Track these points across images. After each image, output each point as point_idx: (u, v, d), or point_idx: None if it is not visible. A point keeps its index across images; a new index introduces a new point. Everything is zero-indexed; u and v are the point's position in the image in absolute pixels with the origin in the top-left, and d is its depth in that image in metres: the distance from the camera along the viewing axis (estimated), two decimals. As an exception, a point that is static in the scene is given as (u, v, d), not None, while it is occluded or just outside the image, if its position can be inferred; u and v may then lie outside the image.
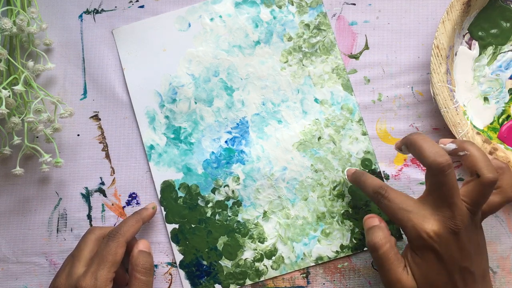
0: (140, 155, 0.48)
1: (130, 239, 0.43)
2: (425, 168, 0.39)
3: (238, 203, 0.47)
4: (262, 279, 0.46)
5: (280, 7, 0.48)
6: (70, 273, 0.41)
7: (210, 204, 0.47)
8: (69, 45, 0.49)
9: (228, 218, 0.47)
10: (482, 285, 0.37)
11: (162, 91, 0.48)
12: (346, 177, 0.46)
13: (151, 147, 0.48)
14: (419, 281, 0.37)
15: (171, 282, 0.47)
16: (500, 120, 0.46)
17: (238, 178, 0.47)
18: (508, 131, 0.45)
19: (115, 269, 0.40)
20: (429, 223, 0.36)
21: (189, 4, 0.49)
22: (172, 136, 0.48)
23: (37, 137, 0.48)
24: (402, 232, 0.43)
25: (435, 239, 0.36)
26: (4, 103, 0.42)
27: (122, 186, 0.48)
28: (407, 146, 0.38)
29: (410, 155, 0.47)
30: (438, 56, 0.44)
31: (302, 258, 0.46)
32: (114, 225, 0.47)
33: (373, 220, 0.40)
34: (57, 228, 0.47)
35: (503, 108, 0.46)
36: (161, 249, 0.47)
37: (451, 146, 0.38)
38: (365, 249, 0.46)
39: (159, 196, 0.47)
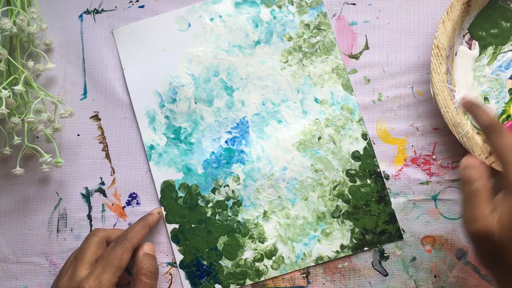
0: (140, 155, 0.48)
1: (137, 245, 0.43)
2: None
3: (238, 203, 0.47)
4: (262, 279, 0.46)
5: (280, 7, 0.48)
6: (73, 275, 0.40)
7: (210, 204, 0.47)
8: (69, 45, 0.49)
9: (228, 218, 0.47)
10: None
11: (162, 91, 0.48)
12: (460, 100, 0.43)
13: (151, 147, 0.48)
14: (505, 226, 0.34)
15: (171, 282, 0.47)
16: (500, 120, 0.46)
17: (238, 178, 0.47)
18: (508, 131, 0.45)
19: (119, 274, 0.41)
20: None
21: (189, 4, 0.49)
22: (172, 136, 0.48)
23: (37, 137, 0.48)
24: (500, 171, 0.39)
25: None
26: (4, 103, 0.42)
27: (122, 186, 0.48)
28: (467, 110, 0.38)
29: None
30: (438, 56, 0.44)
31: (302, 258, 0.46)
32: (114, 225, 0.47)
33: (474, 161, 0.38)
34: (57, 228, 0.47)
35: (503, 108, 0.46)
36: (161, 249, 0.47)
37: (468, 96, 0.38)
38: (365, 249, 0.46)
39: (159, 196, 0.47)
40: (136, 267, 0.42)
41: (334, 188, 0.47)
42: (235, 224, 0.47)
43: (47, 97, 0.46)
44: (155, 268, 0.43)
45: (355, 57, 0.48)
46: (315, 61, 0.48)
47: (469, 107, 0.41)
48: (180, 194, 0.47)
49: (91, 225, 0.47)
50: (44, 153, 0.45)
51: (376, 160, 0.47)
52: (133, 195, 0.48)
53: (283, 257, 0.46)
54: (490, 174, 0.37)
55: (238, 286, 0.46)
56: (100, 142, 0.48)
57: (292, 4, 0.48)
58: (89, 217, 0.48)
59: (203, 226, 0.47)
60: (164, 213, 0.47)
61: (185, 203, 0.47)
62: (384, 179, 0.47)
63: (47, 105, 0.47)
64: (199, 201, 0.47)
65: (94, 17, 0.49)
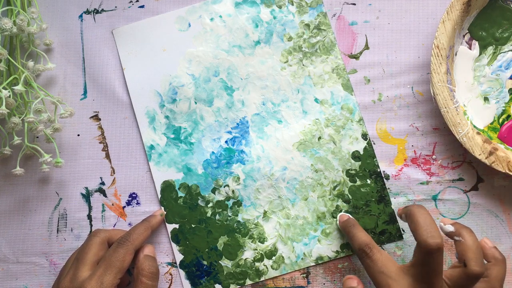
0: (140, 155, 0.48)
1: (139, 247, 0.43)
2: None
3: (238, 203, 0.47)
4: (262, 279, 0.46)
5: (280, 7, 0.48)
6: (74, 275, 0.40)
7: (210, 204, 0.47)
8: (69, 45, 0.49)
9: (228, 218, 0.47)
10: None
11: (162, 91, 0.48)
12: (337, 221, 0.46)
13: (151, 147, 0.48)
14: None
15: (171, 282, 0.47)
16: (500, 120, 0.46)
17: (238, 178, 0.47)
18: (508, 131, 0.45)
19: (121, 276, 0.41)
20: None
21: (189, 4, 0.49)
22: (172, 136, 0.48)
23: (37, 137, 0.48)
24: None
25: None
26: (4, 103, 0.42)
27: (122, 186, 0.48)
28: (406, 215, 0.39)
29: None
30: (438, 56, 0.44)
31: (302, 258, 0.46)
32: (114, 225, 0.47)
33: (351, 281, 0.42)
34: (57, 228, 0.47)
35: (503, 108, 0.46)
36: (161, 249, 0.47)
37: (449, 228, 0.39)
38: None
39: (159, 196, 0.47)
40: (137, 268, 0.42)
41: (334, 188, 0.47)
42: (235, 224, 0.47)
43: (47, 97, 0.46)
44: (156, 269, 0.43)
45: (355, 57, 0.48)
46: (315, 61, 0.48)
47: (346, 226, 0.44)
48: (180, 194, 0.47)
49: (91, 225, 0.47)
50: (44, 153, 0.45)
51: (376, 160, 0.47)
52: (133, 195, 0.48)
53: (283, 257, 0.46)
54: None
55: (238, 286, 0.46)
56: (100, 142, 0.48)
57: (292, 4, 0.48)
58: (89, 217, 0.48)
59: (203, 226, 0.47)
60: (164, 213, 0.47)
61: (185, 203, 0.47)
62: (384, 179, 0.47)
63: (47, 105, 0.47)
64: (199, 201, 0.47)
65: (94, 17, 0.49)
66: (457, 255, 0.38)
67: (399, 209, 0.42)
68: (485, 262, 0.39)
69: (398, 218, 0.45)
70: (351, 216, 0.45)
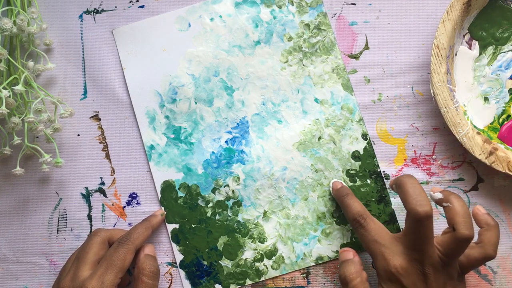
0: (140, 155, 0.48)
1: (140, 246, 0.43)
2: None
3: (238, 203, 0.47)
4: (262, 279, 0.46)
5: (280, 7, 0.48)
6: (75, 275, 0.40)
7: (210, 204, 0.47)
8: (69, 45, 0.49)
9: (228, 218, 0.47)
10: None
11: (162, 91, 0.48)
12: (330, 189, 0.46)
13: (151, 147, 0.48)
14: None
15: (171, 282, 0.47)
16: (500, 120, 0.46)
17: (238, 178, 0.47)
18: (508, 131, 0.45)
19: (121, 275, 0.41)
20: (399, 260, 0.38)
21: (189, 4, 0.49)
22: (172, 136, 0.48)
23: (37, 137, 0.48)
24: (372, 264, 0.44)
25: (401, 273, 0.37)
26: (4, 103, 0.42)
27: (122, 186, 0.48)
28: (395, 185, 0.40)
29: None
30: (438, 56, 0.44)
31: (302, 258, 0.46)
32: (114, 225, 0.47)
33: (347, 254, 0.42)
34: (57, 228, 0.47)
35: (503, 108, 0.46)
36: (161, 249, 0.47)
37: (438, 195, 0.39)
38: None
39: (159, 196, 0.47)
40: (138, 268, 0.42)
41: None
42: (235, 224, 0.47)
43: (47, 97, 0.46)
44: (156, 268, 0.43)
45: (355, 57, 0.48)
46: (315, 61, 0.48)
47: (339, 195, 0.44)
48: (180, 194, 0.47)
49: (91, 225, 0.47)
50: (44, 153, 0.45)
51: (376, 160, 0.47)
52: (133, 195, 0.48)
53: (283, 257, 0.46)
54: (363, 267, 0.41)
55: (238, 286, 0.46)
56: (100, 142, 0.48)
57: (292, 4, 0.48)
58: (89, 217, 0.48)
59: (203, 226, 0.47)
60: (165, 213, 0.47)
61: (185, 203, 0.47)
62: (384, 179, 0.47)
63: (47, 105, 0.47)
64: (199, 201, 0.47)
65: (94, 17, 0.49)
66: (447, 221, 0.38)
67: (391, 181, 0.42)
68: (479, 228, 0.40)
69: (389, 190, 0.45)
70: (344, 184, 0.46)
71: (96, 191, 0.48)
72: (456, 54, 0.46)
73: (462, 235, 0.36)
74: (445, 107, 0.44)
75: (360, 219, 0.40)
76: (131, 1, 0.49)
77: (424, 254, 0.37)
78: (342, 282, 0.40)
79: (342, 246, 0.46)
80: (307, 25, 0.48)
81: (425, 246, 0.37)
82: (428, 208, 0.36)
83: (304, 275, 0.46)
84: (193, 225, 0.47)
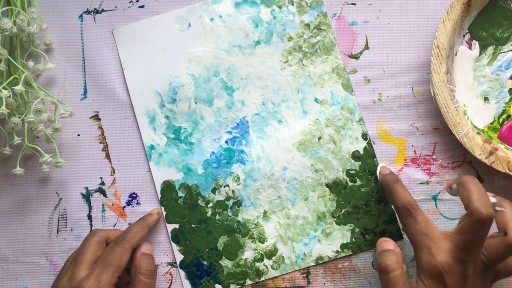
0: (140, 155, 0.48)
1: (136, 245, 0.43)
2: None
3: (238, 203, 0.47)
4: (262, 279, 0.46)
5: (280, 7, 0.48)
6: (72, 275, 0.41)
7: (210, 204, 0.47)
8: (69, 45, 0.49)
9: (228, 218, 0.47)
10: None
11: (162, 91, 0.48)
12: (378, 173, 0.45)
13: (151, 147, 0.48)
14: None
15: (171, 282, 0.47)
16: (501, 120, 0.46)
17: (238, 178, 0.47)
18: (508, 131, 0.45)
19: (118, 274, 0.41)
20: (445, 257, 0.37)
21: (189, 4, 0.49)
22: (172, 136, 0.48)
23: (37, 137, 0.48)
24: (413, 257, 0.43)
25: (446, 270, 0.37)
26: (4, 103, 0.42)
27: (122, 186, 0.48)
28: (458, 184, 0.39)
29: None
30: (438, 56, 0.44)
31: (302, 258, 0.46)
32: (114, 225, 0.47)
33: (388, 244, 0.40)
34: (57, 228, 0.47)
35: (504, 108, 0.46)
36: (161, 249, 0.47)
37: (492, 200, 0.39)
38: (365, 249, 0.46)
39: (159, 196, 0.47)
40: (134, 266, 0.42)
41: (335, 187, 0.47)
42: (235, 224, 0.47)
43: (47, 97, 0.46)
44: (153, 267, 0.43)
45: (355, 57, 0.48)
46: (315, 61, 0.48)
47: (388, 181, 0.43)
48: (180, 194, 0.47)
49: (91, 225, 0.47)
50: (44, 153, 0.45)
51: (376, 160, 0.47)
52: (133, 195, 0.48)
53: (283, 257, 0.46)
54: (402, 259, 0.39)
55: (238, 286, 0.46)
56: (100, 142, 0.48)
57: (292, 4, 0.48)
58: (89, 217, 0.48)
59: (203, 226, 0.47)
60: (164, 213, 0.47)
61: (185, 203, 0.47)
62: (384, 179, 0.47)
63: (47, 105, 0.47)
64: (199, 201, 0.47)
65: (94, 17, 0.49)
66: (498, 226, 0.38)
67: (448, 182, 0.41)
68: None
69: (447, 191, 0.42)
70: (392, 171, 0.45)
71: (96, 191, 0.48)
72: (456, 54, 0.46)
73: None
74: (445, 107, 0.44)
75: (410, 208, 0.40)
76: (131, 1, 0.49)
77: (472, 255, 0.36)
78: (381, 271, 0.38)
79: (342, 246, 0.46)
80: (307, 25, 0.48)
81: (476, 247, 0.36)
82: (492, 211, 0.35)
83: (304, 275, 0.46)
84: (193, 225, 0.47)
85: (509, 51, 0.46)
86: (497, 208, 0.38)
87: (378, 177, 0.45)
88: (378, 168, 0.46)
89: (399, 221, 0.46)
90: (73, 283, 0.40)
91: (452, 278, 0.37)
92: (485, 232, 0.36)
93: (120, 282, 0.45)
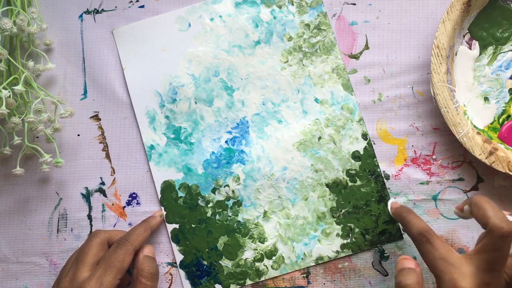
0: (140, 155, 0.48)
1: (138, 248, 0.43)
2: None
3: (238, 203, 0.47)
4: (262, 279, 0.46)
5: (280, 7, 0.48)
6: (74, 276, 0.41)
7: (210, 204, 0.47)
8: (69, 45, 0.49)
9: (228, 218, 0.47)
10: None
11: (162, 91, 0.48)
12: (389, 209, 0.45)
13: (151, 147, 0.48)
14: None
15: (171, 282, 0.47)
16: (501, 120, 0.46)
17: (238, 178, 0.47)
18: (508, 131, 0.45)
19: (120, 276, 0.41)
20: (469, 282, 0.35)
21: (189, 4, 0.49)
22: (172, 136, 0.48)
23: (37, 137, 0.48)
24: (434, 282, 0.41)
25: None
26: (4, 103, 0.42)
27: (122, 186, 0.48)
28: (470, 205, 0.38)
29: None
30: (438, 56, 0.44)
31: (302, 258, 0.46)
32: (114, 225, 0.47)
33: (408, 262, 0.39)
34: (57, 228, 0.47)
35: (504, 108, 0.46)
36: (161, 249, 0.47)
37: (510, 218, 0.37)
38: (365, 249, 0.46)
39: (159, 196, 0.47)
40: (137, 269, 0.42)
41: (336, 187, 0.47)
42: (235, 224, 0.47)
43: (47, 97, 0.46)
44: (156, 270, 0.43)
45: (355, 57, 0.48)
46: (315, 61, 0.48)
47: (400, 214, 0.42)
48: (180, 194, 0.47)
49: (91, 225, 0.47)
50: (44, 153, 0.45)
51: (376, 160, 0.47)
52: (133, 195, 0.48)
53: (283, 257, 0.46)
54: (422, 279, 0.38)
55: (238, 286, 0.46)
56: (100, 142, 0.48)
57: (292, 4, 0.48)
58: (89, 217, 0.48)
59: (203, 226, 0.47)
60: (164, 213, 0.47)
61: (185, 203, 0.47)
62: (384, 179, 0.47)
63: (47, 105, 0.47)
64: (199, 201, 0.47)
65: (94, 17, 0.49)
66: None
67: (457, 206, 0.40)
68: None
69: (458, 215, 0.41)
70: (402, 204, 0.45)
71: (96, 191, 0.48)
72: (456, 54, 0.46)
73: None
74: (445, 107, 0.44)
75: (426, 234, 0.38)
76: (131, 1, 0.49)
77: (496, 275, 0.35)
78: None
79: (342, 246, 0.46)
80: (307, 25, 0.48)
81: (500, 266, 0.35)
82: (511, 225, 0.34)
83: (304, 275, 0.46)
84: (193, 225, 0.47)
85: (509, 51, 0.46)
86: None
87: (390, 212, 0.45)
88: (389, 203, 0.45)
89: (417, 249, 0.42)
90: (74, 284, 0.40)
91: None
92: (508, 248, 0.35)
93: (121, 282, 0.45)
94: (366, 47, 0.48)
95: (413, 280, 0.37)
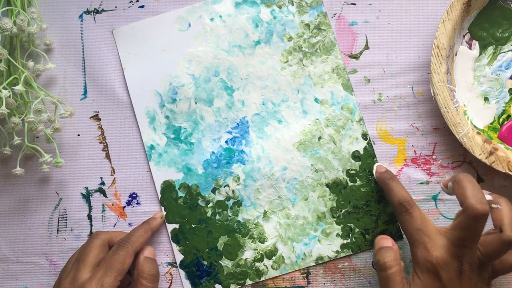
0: (140, 155, 0.48)
1: (139, 249, 0.43)
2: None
3: (238, 203, 0.47)
4: (262, 279, 0.46)
5: (280, 7, 0.48)
6: (75, 277, 0.41)
7: (211, 204, 0.47)
8: (69, 45, 0.49)
9: (229, 218, 0.47)
10: None
11: (162, 91, 0.48)
12: (374, 172, 0.46)
13: (151, 147, 0.48)
14: None
15: (171, 282, 0.47)
16: (501, 120, 0.46)
17: (238, 178, 0.47)
18: (508, 131, 0.45)
19: (121, 278, 0.41)
20: (441, 252, 0.37)
21: (189, 4, 0.49)
22: (172, 136, 0.48)
23: (37, 137, 0.48)
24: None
25: (442, 265, 0.37)
26: (4, 103, 0.42)
27: (122, 186, 0.48)
28: (453, 182, 0.39)
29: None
30: (438, 56, 0.44)
31: (302, 258, 0.46)
32: (114, 225, 0.47)
33: (386, 241, 0.41)
34: (57, 228, 0.47)
35: (504, 108, 0.46)
36: (161, 249, 0.47)
37: (488, 197, 0.39)
38: (365, 249, 0.46)
39: (159, 196, 0.47)
40: (137, 270, 0.42)
41: (336, 187, 0.47)
42: (235, 224, 0.47)
43: (47, 97, 0.46)
44: (156, 271, 0.43)
45: (355, 57, 0.48)
46: (315, 61, 0.48)
47: (384, 179, 0.43)
48: (180, 194, 0.47)
49: (91, 225, 0.47)
50: (44, 153, 0.45)
51: (376, 160, 0.47)
52: (133, 195, 0.48)
53: (283, 257, 0.46)
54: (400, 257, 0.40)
55: (238, 286, 0.46)
56: (100, 142, 0.48)
57: (292, 4, 0.48)
58: (89, 217, 0.48)
59: (203, 226, 0.47)
60: (164, 213, 0.47)
61: (185, 203, 0.47)
62: (384, 179, 0.47)
63: (47, 105, 0.47)
64: (199, 201, 0.47)
65: (94, 17, 0.49)
66: (494, 223, 0.38)
67: (444, 182, 0.41)
68: None
69: (443, 190, 0.43)
70: (388, 169, 0.45)
71: (96, 191, 0.48)
72: (456, 54, 0.46)
73: (508, 237, 0.36)
74: (445, 107, 0.44)
75: (406, 204, 0.40)
76: (131, 1, 0.49)
77: (467, 251, 0.37)
78: (379, 268, 0.39)
79: (342, 246, 0.46)
80: (307, 25, 0.48)
81: (471, 244, 0.37)
82: (487, 207, 0.36)
83: (304, 275, 0.46)
84: (193, 225, 0.47)
85: (509, 51, 0.46)
86: (493, 205, 0.38)
87: (374, 175, 0.45)
88: (374, 166, 0.46)
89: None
90: (75, 285, 0.40)
91: (448, 273, 0.37)
92: (480, 228, 0.36)
93: (121, 283, 0.45)
94: (366, 47, 0.48)
95: (391, 258, 0.39)
